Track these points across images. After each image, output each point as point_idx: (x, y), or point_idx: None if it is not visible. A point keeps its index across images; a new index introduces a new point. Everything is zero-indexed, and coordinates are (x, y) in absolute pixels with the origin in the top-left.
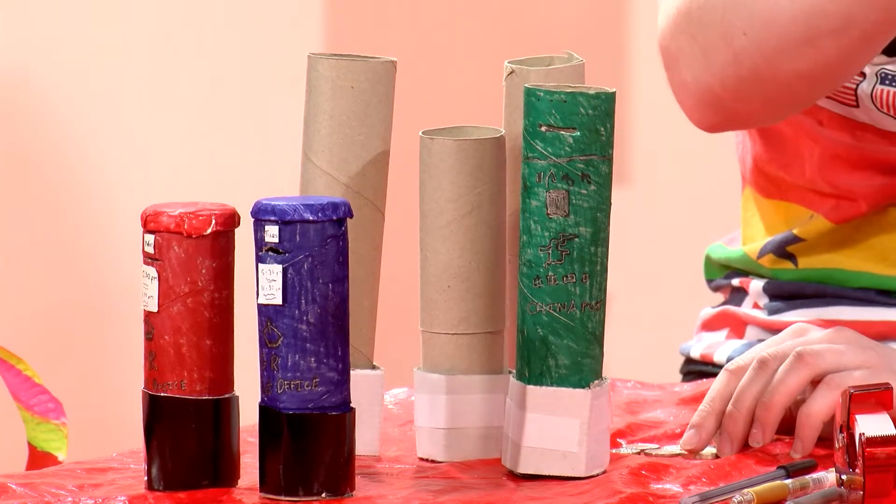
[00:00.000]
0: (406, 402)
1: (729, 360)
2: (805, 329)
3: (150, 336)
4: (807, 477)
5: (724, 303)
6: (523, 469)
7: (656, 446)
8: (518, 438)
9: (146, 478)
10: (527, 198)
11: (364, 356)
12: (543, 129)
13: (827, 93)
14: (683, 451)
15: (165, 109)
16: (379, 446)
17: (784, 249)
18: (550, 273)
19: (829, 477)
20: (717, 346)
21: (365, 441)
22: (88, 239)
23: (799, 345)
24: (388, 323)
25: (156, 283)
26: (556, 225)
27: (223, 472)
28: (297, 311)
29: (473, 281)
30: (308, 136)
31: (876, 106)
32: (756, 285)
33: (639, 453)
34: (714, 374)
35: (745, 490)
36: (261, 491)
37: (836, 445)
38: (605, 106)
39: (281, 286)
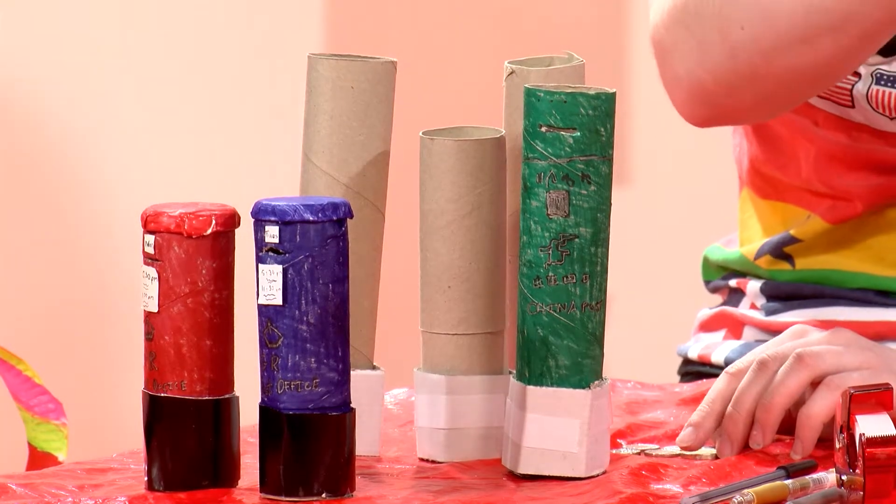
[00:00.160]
0: (406, 402)
1: (726, 360)
2: (804, 331)
3: (150, 336)
4: (807, 477)
5: (722, 304)
6: (523, 469)
7: (656, 447)
8: (518, 439)
9: (146, 478)
10: (527, 198)
11: (364, 356)
12: (544, 129)
13: (819, 91)
14: (683, 452)
15: (165, 110)
16: (379, 447)
17: (781, 250)
18: (550, 273)
19: (829, 477)
20: (715, 346)
21: (365, 441)
22: (88, 239)
23: (798, 346)
24: (388, 323)
25: (156, 283)
26: (557, 225)
27: (223, 472)
28: (297, 312)
29: (474, 281)
30: (308, 136)
31: (871, 106)
32: (753, 286)
33: (639, 454)
34: (712, 375)
35: (746, 490)
36: (261, 491)
37: (837, 446)
38: (605, 106)
39: (281, 286)
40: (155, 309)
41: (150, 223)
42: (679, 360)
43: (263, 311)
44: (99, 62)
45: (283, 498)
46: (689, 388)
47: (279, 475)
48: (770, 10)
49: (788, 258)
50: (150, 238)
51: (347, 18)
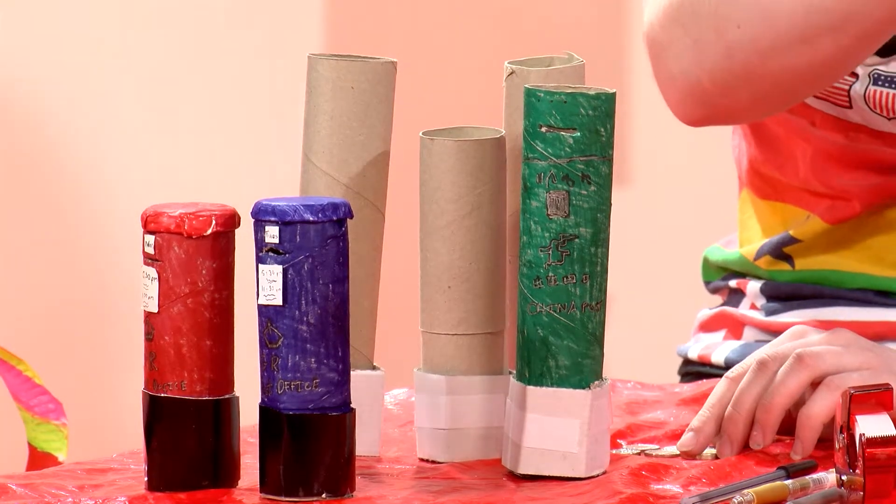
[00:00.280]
0: (406, 402)
1: (726, 360)
2: (804, 331)
3: (150, 337)
4: (807, 477)
5: (722, 304)
6: (523, 469)
7: (656, 447)
8: (518, 439)
9: (146, 478)
10: (527, 198)
11: (364, 357)
12: (544, 129)
13: (816, 92)
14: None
15: (165, 109)
16: (379, 447)
17: (781, 251)
18: (550, 274)
19: (829, 477)
20: (715, 346)
21: (365, 442)
22: (88, 239)
23: (798, 347)
24: (388, 323)
25: (156, 283)
26: (557, 225)
27: (223, 472)
28: (297, 312)
29: (474, 282)
30: (308, 136)
31: (869, 107)
32: (753, 286)
33: (639, 454)
34: (711, 375)
35: (746, 490)
36: (261, 491)
37: (837, 446)
38: (605, 106)
39: (281, 287)
40: (155, 309)
41: (150, 223)
42: (679, 361)
43: (263, 311)
44: (99, 62)
45: (283, 498)
46: (689, 388)
47: (279, 475)
48: (769, 9)
49: (788, 258)
50: (150, 238)
51: (347, 18)
